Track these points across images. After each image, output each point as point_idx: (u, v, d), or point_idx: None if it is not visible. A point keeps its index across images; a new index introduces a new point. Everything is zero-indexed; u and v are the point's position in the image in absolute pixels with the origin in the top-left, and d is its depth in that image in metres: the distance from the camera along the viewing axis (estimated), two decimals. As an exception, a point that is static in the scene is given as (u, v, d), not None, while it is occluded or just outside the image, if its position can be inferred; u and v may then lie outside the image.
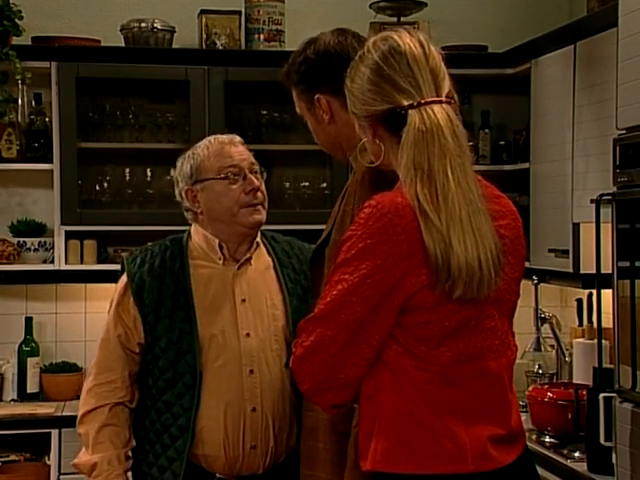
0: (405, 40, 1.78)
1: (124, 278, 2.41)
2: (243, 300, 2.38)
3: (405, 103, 1.74)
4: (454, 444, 1.71)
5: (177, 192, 2.46)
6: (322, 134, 2.20)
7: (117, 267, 2.56)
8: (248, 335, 2.36)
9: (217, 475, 2.35)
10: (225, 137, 2.46)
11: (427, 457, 1.71)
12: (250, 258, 2.43)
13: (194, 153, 2.43)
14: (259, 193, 2.40)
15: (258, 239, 2.46)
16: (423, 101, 1.74)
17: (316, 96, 2.14)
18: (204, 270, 2.40)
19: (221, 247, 2.41)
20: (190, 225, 2.48)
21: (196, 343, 2.32)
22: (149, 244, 2.49)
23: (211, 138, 2.45)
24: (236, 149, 2.42)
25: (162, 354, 2.35)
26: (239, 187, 2.37)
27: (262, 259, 2.46)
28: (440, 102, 1.75)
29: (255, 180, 2.39)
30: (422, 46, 1.78)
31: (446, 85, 1.78)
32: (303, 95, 2.18)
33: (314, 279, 2.18)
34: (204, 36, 3.93)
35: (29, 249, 3.80)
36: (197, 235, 2.44)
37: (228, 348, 2.34)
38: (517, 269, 1.82)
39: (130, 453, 2.38)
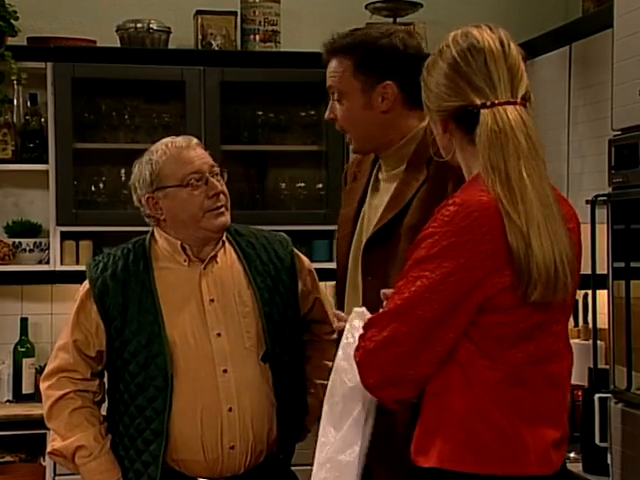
0: (485, 37, 1.77)
1: (86, 284, 2.40)
2: (211, 300, 2.37)
3: (478, 102, 1.73)
4: (520, 445, 1.71)
5: (135, 198, 2.43)
6: (362, 118, 2.19)
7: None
8: (219, 335, 2.35)
9: (198, 479, 2.34)
10: (182, 140, 2.41)
11: (493, 457, 1.71)
12: (215, 256, 2.41)
13: (151, 159, 2.38)
14: (222, 196, 2.37)
15: (223, 237, 2.44)
16: (497, 101, 1.73)
17: (386, 82, 2.15)
18: (169, 272, 2.39)
19: (184, 249, 2.39)
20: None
21: (166, 345, 2.31)
22: (112, 249, 2.48)
23: (167, 142, 2.40)
24: (195, 153, 2.38)
25: (132, 358, 2.34)
26: (202, 192, 2.34)
27: (228, 256, 2.44)
28: (514, 103, 1.74)
29: (217, 183, 2.37)
30: (502, 44, 1.77)
31: (523, 86, 1.77)
32: (366, 76, 2.17)
33: (368, 261, 2.17)
34: (200, 37, 3.93)
35: (24, 250, 3.80)
36: (160, 238, 2.43)
37: (199, 349, 2.33)
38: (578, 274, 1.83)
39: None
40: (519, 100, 1.75)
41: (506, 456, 1.71)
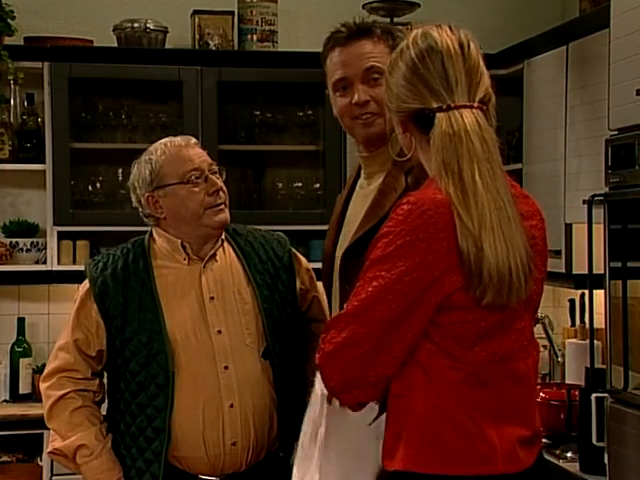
0: (444, 38, 1.76)
1: (86, 283, 2.41)
2: (212, 298, 2.38)
3: (434, 105, 1.73)
4: (485, 445, 1.70)
5: (134, 199, 2.44)
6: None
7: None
8: (220, 332, 2.36)
9: (200, 477, 2.34)
10: (180, 140, 2.44)
11: (459, 458, 1.70)
12: (215, 255, 2.43)
13: (151, 159, 2.40)
14: (221, 193, 2.40)
15: (222, 236, 2.46)
16: (453, 105, 1.72)
17: None
18: (169, 271, 2.40)
19: (184, 247, 2.41)
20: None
21: (167, 343, 2.32)
22: (111, 249, 2.49)
23: (166, 142, 2.43)
24: (194, 151, 2.41)
25: (133, 357, 2.34)
26: (202, 189, 2.37)
27: (227, 254, 2.46)
28: (471, 107, 1.73)
29: (217, 180, 2.39)
30: (461, 46, 1.75)
31: (481, 89, 1.76)
32: None
33: (347, 269, 2.15)
34: (197, 36, 3.93)
35: (21, 249, 3.79)
36: (159, 237, 2.44)
37: (200, 346, 2.34)
38: (542, 269, 1.82)
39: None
40: (476, 104, 1.74)
41: (471, 456, 1.69)
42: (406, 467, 1.71)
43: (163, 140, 2.45)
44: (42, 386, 2.43)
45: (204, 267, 2.41)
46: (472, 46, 1.77)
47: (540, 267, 1.80)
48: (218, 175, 2.42)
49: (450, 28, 1.78)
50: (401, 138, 1.84)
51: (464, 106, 1.73)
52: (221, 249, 2.45)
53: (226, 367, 2.34)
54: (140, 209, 2.45)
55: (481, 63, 1.77)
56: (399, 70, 1.78)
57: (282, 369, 2.40)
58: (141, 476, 2.34)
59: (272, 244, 2.52)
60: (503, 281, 1.65)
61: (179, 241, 2.41)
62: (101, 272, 2.40)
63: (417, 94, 1.75)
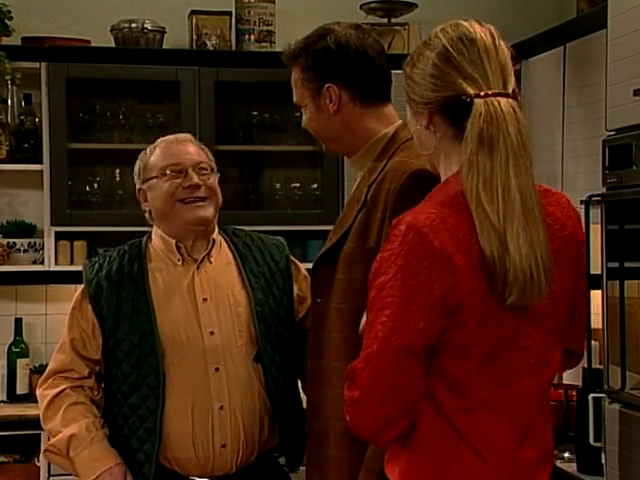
0: (476, 29, 1.71)
1: (83, 284, 2.42)
2: (205, 299, 2.38)
3: (471, 91, 1.65)
4: (489, 470, 1.66)
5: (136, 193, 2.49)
6: (319, 123, 2.17)
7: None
8: (212, 333, 2.36)
9: (190, 477, 2.34)
10: (176, 136, 2.48)
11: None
12: (209, 256, 2.42)
13: (144, 153, 2.45)
14: (201, 189, 2.38)
15: (215, 236, 2.45)
16: (490, 92, 1.65)
17: (327, 85, 2.11)
18: (163, 272, 2.41)
19: (179, 247, 2.41)
20: (152, 227, 2.49)
21: (158, 344, 2.32)
22: (110, 250, 2.50)
23: (163, 138, 2.48)
24: (182, 147, 2.42)
25: (125, 357, 2.34)
26: (176, 183, 2.38)
27: (222, 255, 2.46)
28: (507, 96, 1.66)
29: (195, 177, 2.38)
30: (493, 38, 1.71)
31: (512, 81, 1.70)
32: (311, 82, 2.14)
33: (317, 283, 2.16)
34: (194, 37, 3.93)
35: (19, 250, 3.79)
36: (156, 237, 2.46)
37: (192, 347, 2.33)
38: (564, 280, 1.73)
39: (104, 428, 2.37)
40: (511, 93, 1.68)
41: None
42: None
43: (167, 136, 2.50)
44: (38, 391, 2.43)
45: (198, 268, 2.41)
46: (502, 42, 1.72)
47: (562, 278, 1.71)
48: (206, 173, 2.41)
49: (479, 22, 1.74)
50: (419, 134, 1.77)
51: (500, 94, 1.66)
52: (217, 250, 2.45)
53: (217, 369, 2.34)
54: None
55: (509, 59, 1.72)
56: (426, 59, 1.71)
57: (273, 372, 2.39)
58: (133, 477, 2.33)
59: (270, 248, 2.52)
60: (527, 280, 1.60)
61: (174, 241, 2.41)
62: (96, 273, 2.40)
63: (450, 81, 1.68)
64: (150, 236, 2.48)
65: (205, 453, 2.32)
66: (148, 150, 2.45)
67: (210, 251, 2.43)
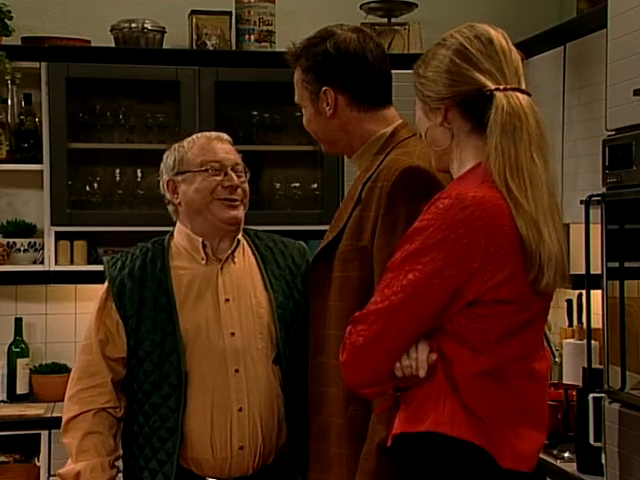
0: (490, 30, 1.78)
1: (106, 282, 2.41)
2: (227, 300, 2.37)
3: (491, 85, 1.71)
4: (500, 441, 1.70)
5: (161, 184, 2.47)
6: (318, 125, 2.19)
7: (108, 268, 2.55)
8: (233, 334, 2.35)
9: (207, 478, 2.33)
10: (214, 134, 2.48)
11: (487, 434, 1.68)
12: (233, 256, 2.42)
13: (180, 146, 2.44)
14: (239, 190, 2.40)
15: (240, 236, 2.45)
16: (509, 87, 1.72)
17: (324, 88, 2.12)
18: (186, 270, 2.39)
19: (204, 246, 2.40)
20: (174, 226, 2.48)
21: (180, 344, 2.31)
22: (132, 248, 2.48)
23: (200, 134, 2.48)
24: (222, 146, 2.43)
25: (146, 356, 2.34)
26: (217, 181, 2.38)
27: (245, 257, 2.45)
28: (523, 91, 1.74)
29: (235, 177, 2.39)
30: (506, 40, 1.78)
31: (524, 80, 1.77)
32: (310, 84, 2.16)
33: (315, 281, 2.17)
34: (194, 37, 3.93)
35: (19, 250, 3.79)
36: (180, 235, 2.44)
37: (213, 348, 2.33)
38: None
39: (116, 462, 2.36)
40: (526, 89, 1.75)
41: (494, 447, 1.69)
42: (437, 428, 1.69)
43: (200, 133, 2.50)
44: (67, 394, 2.40)
45: (221, 268, 2.40)
46: (513, 46, 1.79)
47: None
48: (242, 175, 2.43)
49: (492, 26, 1.80)
50: (432, 132, 1.80)
51: (517, 89, 1.73)
52: (241, 252, 2.44)
53: (237, 370, 2.33)
54: (164, 197, 2.47)
55: (521, 61, 1.79)
56: (442, 57, 1.77)
57: (291, 375, 2.38)
58: (154, 476, 2.32)
59: (292, 251, 2.51)
60: (558, 266, 1.68)
61: (200, 239, 2.40)
62: (119, 271, 2.39)
63: (467, 76, 1.74)
64: (172, 234, 2.47)
65: (222, 454, 2.31)
66: (185, 143, 2.44)
67: (234, 251, 2.43)
